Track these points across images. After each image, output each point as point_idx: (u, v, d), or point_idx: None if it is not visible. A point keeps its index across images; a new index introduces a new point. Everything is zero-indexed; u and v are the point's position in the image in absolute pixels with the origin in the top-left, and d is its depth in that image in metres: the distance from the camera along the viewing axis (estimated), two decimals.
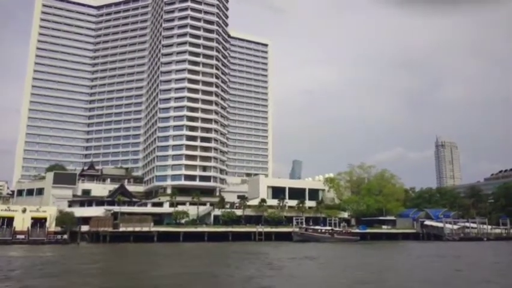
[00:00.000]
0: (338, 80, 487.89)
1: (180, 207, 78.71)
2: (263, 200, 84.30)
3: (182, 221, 74.42)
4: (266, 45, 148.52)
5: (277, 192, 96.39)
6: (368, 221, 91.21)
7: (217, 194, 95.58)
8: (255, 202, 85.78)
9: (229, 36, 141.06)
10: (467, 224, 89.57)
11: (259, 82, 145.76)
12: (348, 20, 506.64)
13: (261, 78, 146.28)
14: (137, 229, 66.64)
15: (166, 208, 79.47)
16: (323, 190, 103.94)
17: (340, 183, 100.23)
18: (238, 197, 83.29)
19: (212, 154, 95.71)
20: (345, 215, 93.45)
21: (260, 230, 72.44)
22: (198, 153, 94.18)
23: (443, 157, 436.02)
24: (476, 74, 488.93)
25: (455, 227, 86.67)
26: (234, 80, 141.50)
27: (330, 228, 75.76)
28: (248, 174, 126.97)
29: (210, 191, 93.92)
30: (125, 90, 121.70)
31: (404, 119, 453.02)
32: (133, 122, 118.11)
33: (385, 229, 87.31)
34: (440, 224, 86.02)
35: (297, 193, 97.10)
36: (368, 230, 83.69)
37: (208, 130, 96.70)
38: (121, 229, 66.33)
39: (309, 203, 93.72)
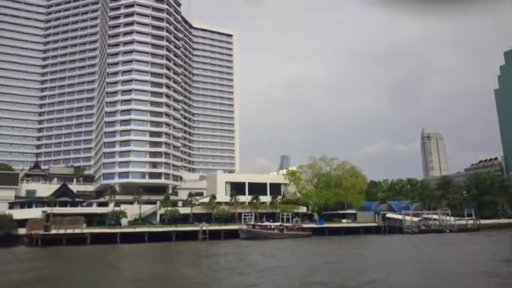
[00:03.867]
0: (321, 73, 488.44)
1: (124, 207, 76.08)
2: (213, 197, 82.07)
3: (123, 221, 71.75)
4: (230, 35, 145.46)
5: (237, 188, 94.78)
6: (328, 215, 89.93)
7: (170, 191, 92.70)
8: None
9: (191, 26, 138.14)
10: (429, 216, 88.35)
11: (224, 74, 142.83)
12: (328, 13, 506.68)
13: (226, 70, 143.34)
14: (69, 231, 63.52)
15: (101, 208, 76.48)
16: (285, 184, 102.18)
17: (301, 177, 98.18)
18: (190, 194, 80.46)
19: (163, 149, 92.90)
20: (304, 209, 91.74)
21: (205, 228, 69.90)
22: (147, 148, 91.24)
23: (429, 149, 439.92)
24: (458, 65, 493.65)
25: (415, 219, 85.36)
26: (198, 72, 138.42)
27: (279, 223, 73.57)
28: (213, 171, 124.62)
29: (161, 189, 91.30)
30: (77, 85, 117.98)
31: (389, 111, 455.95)
32: (85, 117, 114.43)
33: (345, 223, 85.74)
34: (400, 217, 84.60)
35: (258, 188, 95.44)
36: (326, 225, 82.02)
37: (158, 124, 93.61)
38: (53, 231, 63.19)
39: (268, 199, 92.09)
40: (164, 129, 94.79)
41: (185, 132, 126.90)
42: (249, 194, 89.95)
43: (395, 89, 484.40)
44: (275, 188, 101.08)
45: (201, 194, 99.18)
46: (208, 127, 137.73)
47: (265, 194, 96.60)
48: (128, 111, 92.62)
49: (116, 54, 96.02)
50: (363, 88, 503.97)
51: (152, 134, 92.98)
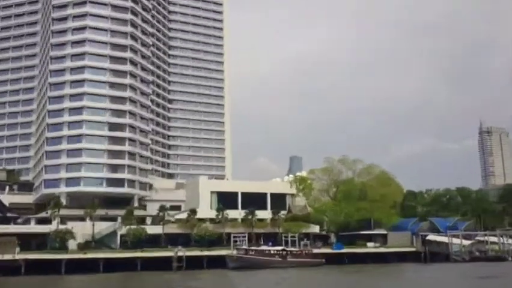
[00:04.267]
0: (346, 46, 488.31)
1: (73, 225, 75.95)
2: (193, 211, 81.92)
3: (71, 243, 71.75)
4: (221, 4, 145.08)
5: (226, 199, 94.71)
6: (349, 236, 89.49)
7: (135, 204, 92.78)
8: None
9: None
10: (485, 238, 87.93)
11: (211, 47, 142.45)
12: None
13: (214, 41, 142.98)
14: None
15: (42, 226, 76.58)
16: (292, 195, 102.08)
17: (313, 185, 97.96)
18: (161, 208, 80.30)
19: (126, 147, 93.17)
20: (316, 229, 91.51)
21: (180, 254, 69.66)
22: (104, 146, 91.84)
23: (490, 148, 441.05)
24: None
25: (466, 242, 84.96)
26: (176, 44, 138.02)
27: (281, 248, 73.37)
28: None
29: (124, 201, 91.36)
30: (11, 60, 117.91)
31: (436, 99, 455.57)
32: (21, 104, 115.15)
33: (371, 248, 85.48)
34: (445, 239, 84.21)
35: (254, 200, 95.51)
36: (345, 250, 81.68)
37: (120, 113, 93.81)
38: None
39: (268, 214, 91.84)
40: (128, 120, 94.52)
41: (158, 124, 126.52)
42: (243, 208, 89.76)
43: (445, 70, 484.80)
44: (278, 200, 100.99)
45: (178, 208, 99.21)
46: (190, 118, 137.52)
47: (265, 208, 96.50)
48: (80, 96, 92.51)
49: (63, 19, 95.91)
50: (401, 68, 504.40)
51: (112, 126, 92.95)
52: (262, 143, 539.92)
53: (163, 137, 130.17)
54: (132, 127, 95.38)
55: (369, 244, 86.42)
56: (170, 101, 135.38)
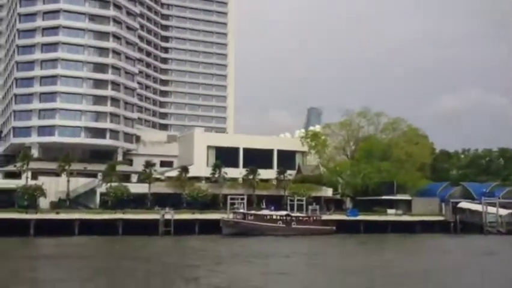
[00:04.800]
0: None
1: (45, 180, 76.65)
2: (184, 169, 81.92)
3: (42, 201, 72.70)
4: None
5: (226, 156, 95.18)
6: (367, 202, 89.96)
7: (120, 159, 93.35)
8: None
9: None
10: None
11: None
12: None
13: None
14: None
15: (9, 181, 77.48)
16: (303, 153, 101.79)
17: (328, 142, 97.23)
18: (147, 164, 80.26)
19: (108, 92, 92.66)
20: (329, 191, 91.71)
21: (168, 216, 70.09)
22: (83, 90, 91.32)
23: None
24: None
25: (505, 211, 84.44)
26: None
27: (285, 213, 73.47)
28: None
29: (107, 155, 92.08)
30: None
31: (485, 41, 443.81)
32: None
33: (392, 215, 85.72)
34: (480, 207, 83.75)
35: (259, 158, 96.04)
36: (361, 217, 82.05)
37: (101, 52, 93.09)
38: None
39: (274, 174, 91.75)
40: (110, 59, 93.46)
41: (148, 66, 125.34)
42: (245, 167, 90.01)
43: (493, 10, 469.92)
44: (286, 158, 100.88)
45: (170, 164, 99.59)
46: (187, 59, 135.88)
47: (271, 167, 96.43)
48: (55, 29, 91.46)
49: None
50: (447, 6, 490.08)
51: (92, 67, 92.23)
52: (276, 95, 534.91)
53: (155, 81, 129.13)
54: (116, 68, 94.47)
55: (390, 211, 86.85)
56: (164, 39, 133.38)
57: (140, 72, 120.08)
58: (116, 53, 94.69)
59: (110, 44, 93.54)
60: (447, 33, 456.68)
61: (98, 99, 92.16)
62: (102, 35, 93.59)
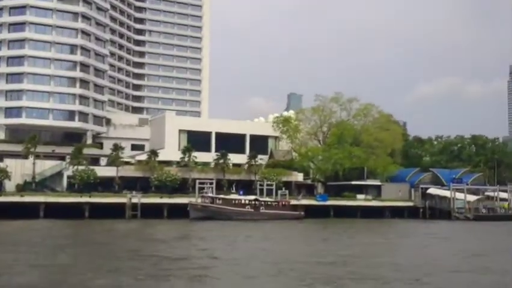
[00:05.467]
0: None
1: (9, 162, 76.24)
2: (153, 152, 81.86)
3: (7, 184, 72.64)
4: None
5: (198, 140, 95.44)
6: (338, 187, 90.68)
7: (89, 141, 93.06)
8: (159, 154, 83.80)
9: None
10: (496, 194, 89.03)
11: None
12: None
13: None
14: None
15: None
16: (276, 138, 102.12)
17: (300, 127, 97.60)
18: (116, 147, 79.88)
19: (77, 74, 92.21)
20: (299, 176, 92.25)
21: (135, 200, 70.29)
22: (51, 71, 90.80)
23: None
24: None
25: (472, 197, 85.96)
26: None
27: (253, 198, 73.95)
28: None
29: (76, 138, 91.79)
30: None
31: (461, 30, 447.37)
32: None
33: (361, 200, 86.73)
34: (448, 193, 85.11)
35: (232, 142, 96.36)
36: (330, 202, 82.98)
37: (70, 32, 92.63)
38: None
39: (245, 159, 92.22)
40: (80, 40, 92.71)
41: (121, 48, 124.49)
42: (218, 151, 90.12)
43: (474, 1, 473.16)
44: (259, 143, 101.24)
45: (141, 148, 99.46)
46: (161, 41, 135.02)
47: (243, 152, 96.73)
48: (21, 9, 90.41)
49: None
50: None
51: (61, 48, 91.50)
52: (257, 81, 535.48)
53: (128, 63, 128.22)
54: (85, 49, 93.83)
55: (359, 196, 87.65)
56: (138, 21, 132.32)
57: (113, 54, 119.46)
58: (86, 33, 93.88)
59: (79, 24, 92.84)
60: (430, 27, 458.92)
61: (67, 81, 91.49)
62: (71, 16, 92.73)
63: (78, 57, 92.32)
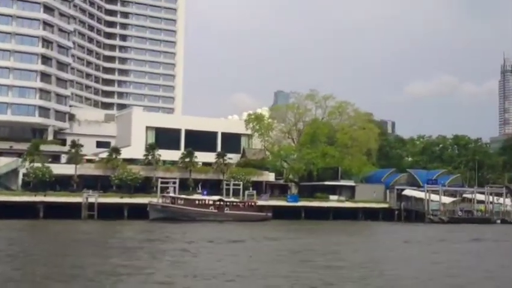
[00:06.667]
0: None
1: None
2: (115, 150, 79.99)
3: None
4: None
5: (167, 138, 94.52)
6: (310, 187, 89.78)
7: (51, 137, 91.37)
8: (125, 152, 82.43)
9: None
10: (473, 196, 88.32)
11: None
12: None
13: None
14: None
15: None
16: (249, 136, 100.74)
17: (274, 125, 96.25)
18: (73, 144, 77.89)
19: (38, 67, 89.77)
20: (271, 176, 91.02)
21: (92, 200, 68.45)
22: (9, 63, 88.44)
23: None
24: None
25: (448, 199, 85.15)
26: None
27: (217, 198, 72.34)
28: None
29: (37, 133, 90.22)
30: None
31: (459, 29, 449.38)
32: None
33: (334, 201, 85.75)
34: (423, 195, 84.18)
35: (203, 140, 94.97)
36: (302, 203, 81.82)
37: (30, 23, 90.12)
38: None
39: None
40: (41, 31, 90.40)
41: (91, 41, 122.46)
42: (186, 149, 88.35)
43: None
44: (231, 142, 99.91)
45: (107, 145, 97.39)
46: (133, 34, 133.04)
47: (214, 151, 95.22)
48: None
49: None
50: None
51: (21, 38, 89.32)
52: (242, 77, 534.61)
53: (98, 57, 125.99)
54: (47, 41, 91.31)
55: (332, 197, 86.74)
56: (109, 13, 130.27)
57: (82, 47, 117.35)
58: (48, 25, 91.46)
59: (41, 15, 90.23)
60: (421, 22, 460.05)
61: (27, 74, 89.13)
62: (32, 6, 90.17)
63: (39, 49, 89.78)
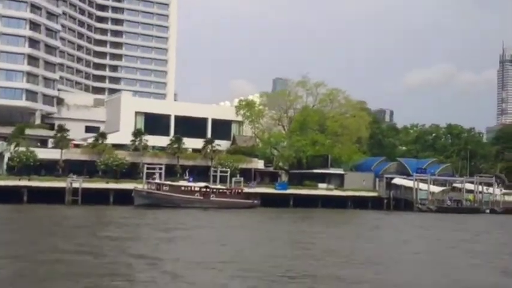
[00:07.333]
0: None
1: None
2: (102, 135, 79.94)
3: None
4: None
5: (157, 123, 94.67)
6: (300, 175, 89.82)
7: (39, 121, 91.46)
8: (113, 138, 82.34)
9: None
10: (462, 185, 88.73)
11: None
12: None
13: None
14: None
15: None
16: (239, 123, 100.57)
17: (265, 112, 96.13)
18: (60, 129, 77.87)
19: (25, 50, 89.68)
20: (260, 163, 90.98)
21: (76, 185, 68.38)
22: None
23: (510, 79, 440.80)
24: None
25: (437, 189, 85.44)
26: None
27: (203, 184, 72.28)
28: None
29: (25, 117, 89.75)
30: None
31: (460, 18, 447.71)
32: None
33: (323, 189, 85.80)
34: (412, 184, 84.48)
35: (193, 126, 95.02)
36: (290, 191, 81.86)
37: (18, 5, 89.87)
38: None
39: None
40: (28, 14, 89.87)
41: (82, 24, 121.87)
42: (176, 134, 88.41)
43: None
44: (222, 128, 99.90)
45: (96, 130, 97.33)
46: (125, 18, 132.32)
47: (205, 137, 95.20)
48: None
49: None
50: None
51: (7, 22, 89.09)
52: (243, 63, 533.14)
53: (89, 41, 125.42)
54: (34, 24, 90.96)
55: (321, 185, 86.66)
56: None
57: (72, 30, 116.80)
58: (36, 7, 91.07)
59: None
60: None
61: (14, 57, 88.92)
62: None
63: (26, 31, 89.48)
